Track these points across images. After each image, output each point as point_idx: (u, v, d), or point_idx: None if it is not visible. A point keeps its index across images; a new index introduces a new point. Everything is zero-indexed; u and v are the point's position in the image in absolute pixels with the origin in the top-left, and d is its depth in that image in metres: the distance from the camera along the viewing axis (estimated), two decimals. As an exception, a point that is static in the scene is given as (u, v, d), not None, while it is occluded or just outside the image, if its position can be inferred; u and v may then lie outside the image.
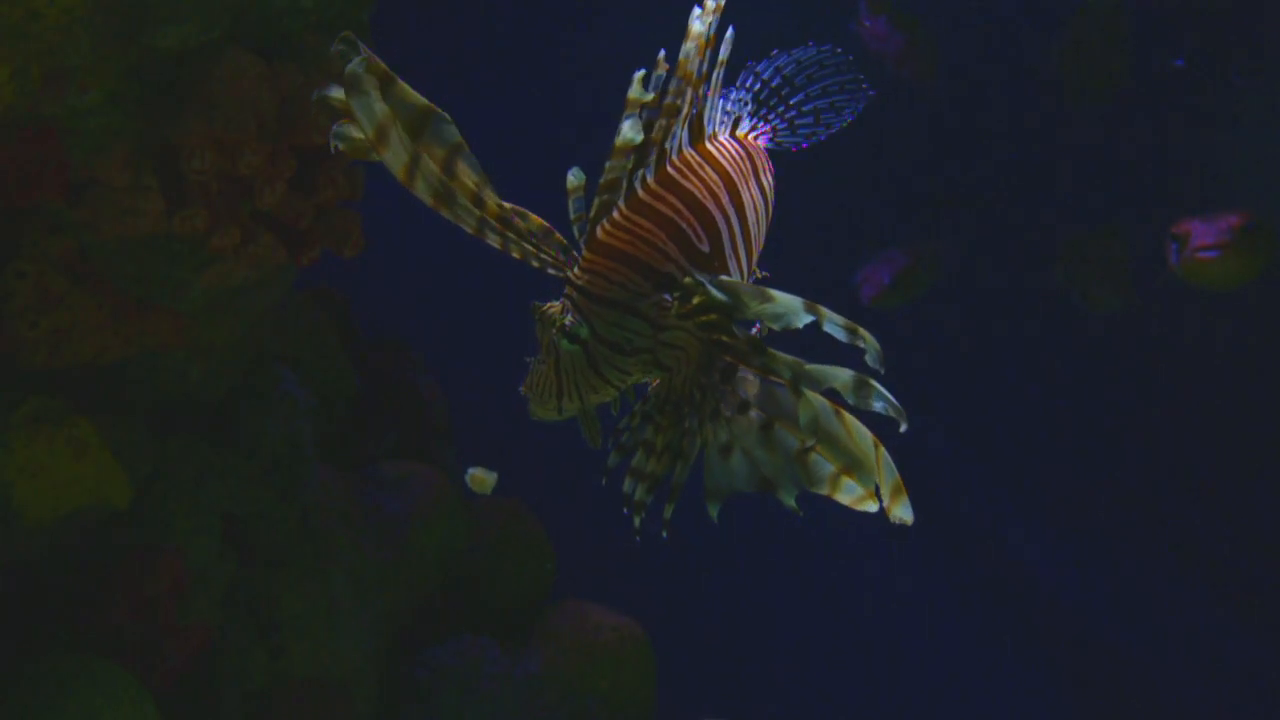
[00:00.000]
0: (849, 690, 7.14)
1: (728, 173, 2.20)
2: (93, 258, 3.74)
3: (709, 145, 2.21)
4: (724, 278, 2.05)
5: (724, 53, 2.14)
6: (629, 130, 1.98)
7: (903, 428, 1.91)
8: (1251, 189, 6.03)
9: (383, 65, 2.01)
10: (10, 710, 3.79)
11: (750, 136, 2.39)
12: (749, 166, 2.27)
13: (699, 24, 2.02)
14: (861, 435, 1.97)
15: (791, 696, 7.09)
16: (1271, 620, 6.82)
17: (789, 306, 1.94)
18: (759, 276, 2.37)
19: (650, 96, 2.00)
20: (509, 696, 5.11)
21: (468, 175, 2.06)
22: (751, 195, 2.24)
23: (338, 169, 3.77)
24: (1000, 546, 7.34)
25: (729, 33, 2.14)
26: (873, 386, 1.92)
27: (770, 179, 2.36)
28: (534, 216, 2.11)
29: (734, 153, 2.25)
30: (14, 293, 3.70)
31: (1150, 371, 6.93)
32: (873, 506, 1.99)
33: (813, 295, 1.95)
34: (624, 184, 2.07)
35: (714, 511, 2.09)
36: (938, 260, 6.78)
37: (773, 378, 2.02)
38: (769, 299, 1.95)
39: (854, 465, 1.98)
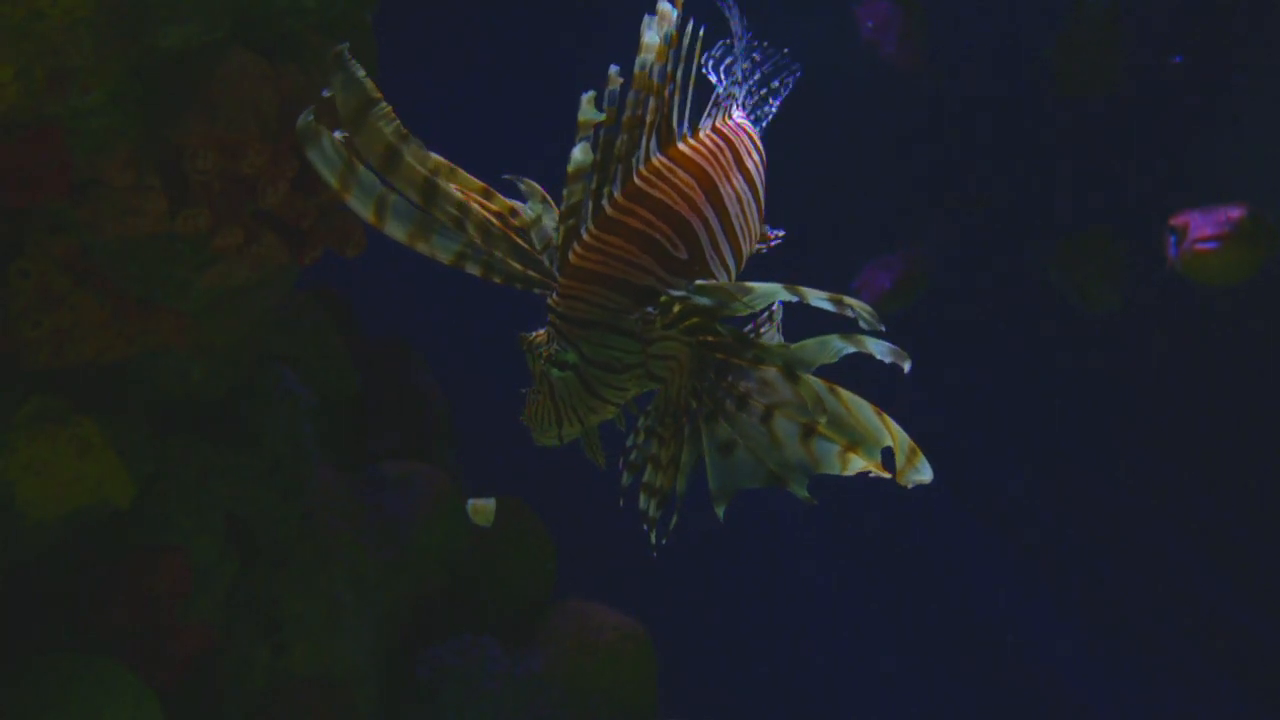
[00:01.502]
0: (850, 690, 7.14)
1: (703, 171, 2.15)
2: (95, 257, 3.75)
3: (681, 147, 2.16)
4: (702, 283, 2.01)
5: (688, 44, 2.09)
6: (579, 154, 1.97)
7: (907, 367, 1.90)
8: (1251, 186, 6.01)
9: (367, 87, 2.01)
10: (13, 708, 3.79)
11: (728, 120, 2.32)
12: (729, 157, 2.21)
13: (651, 34, 1.99)
14: (861, 408, 1.96)
15: (792, 696, 7.09)
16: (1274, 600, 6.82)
17: (770, 293, 1.93)
18: (776, 239, 2.35)
19: (602, 116, 1.97)
20: (510, 696, 5.12)
21: (447, 200, 2.06)
22: (734, 189, 2.19)
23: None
24: (1001, 547, 7.34)
25: (692, 27, 2.09)
26: (864, 339, 1.91)
27: (757, 158, 2.30)
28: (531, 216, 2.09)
29: (709, 148, 2.20)
30: (17, 292, 3.70)
31: (1149, 370, 6.92)
32: (884, 474, 1.97)
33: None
34: (587, 207, 2.05)
35: (720, 511, 2.08)
36: (932, 262, 6.77)
37: (765, 367, 2.01)
38: (749, 292, 1.94)
39: (859, 440, 1.96)
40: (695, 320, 2.04)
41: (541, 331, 2.09)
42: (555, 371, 2.05)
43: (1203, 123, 6.51)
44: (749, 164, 2.26)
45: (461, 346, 6.24)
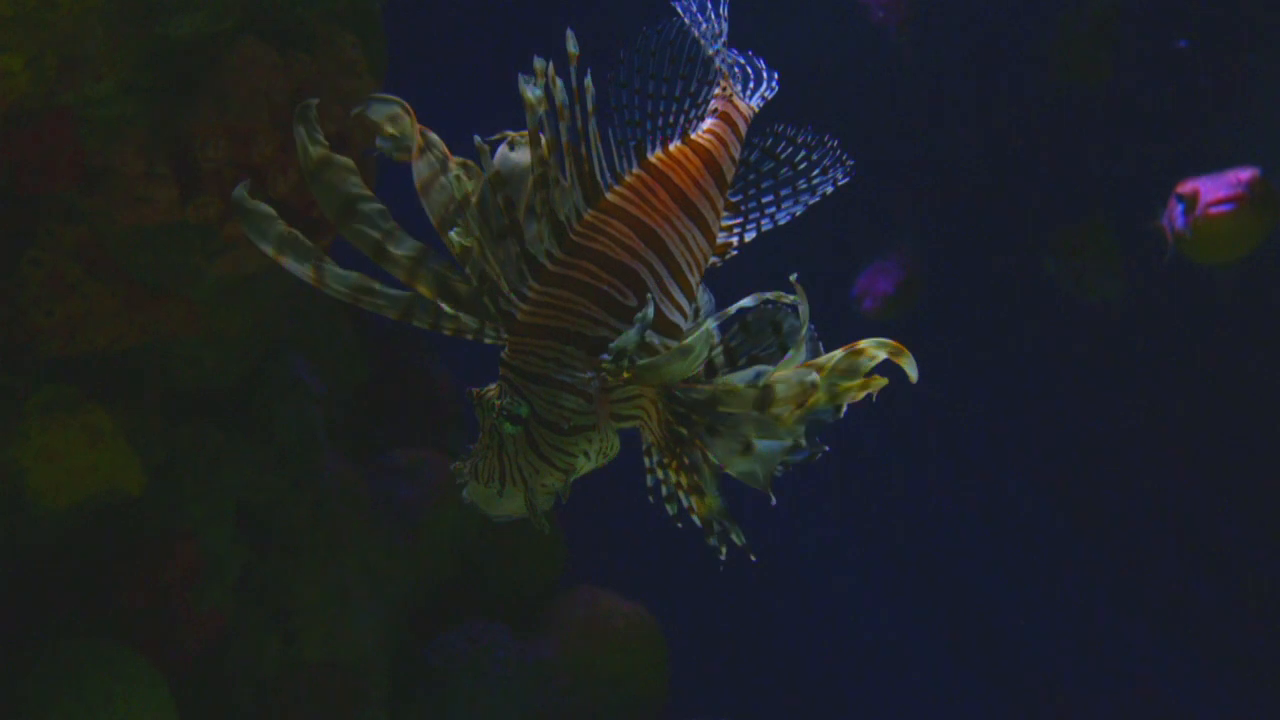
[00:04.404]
0: (856, 680, 7.16)
1: (637, 220, 2.13)
2: (107, 246, 3.76)
3: (610, 197, 2.13)
4: (643, 363, 1.98)
5: (590, 102, 2.05)
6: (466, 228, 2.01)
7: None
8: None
9: (319, 150, 2.06)
10: (27, 693, 3.82)
11: (669, 148, 2.24)
12: (662, 197, 2.17)
13: (533, 91, 1.98)
14: (836, 356, 1.96)
15: (800, 684, 7.11)
16: (1271, 610, 6.82)
17: (704, 337, 1.94)
18: (731, 251, 2.32)
19: (491, 174, 2.00)
20: (520, 682, 5.14)
21: (402, 255, 2.09)
22: (674, 229, 2.15)
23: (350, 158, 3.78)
24: (1003, 544, 7.35)
25: (589, 80, 2.06)
26: (800, 330, 1.94)
27: (707, 177, 2.22)
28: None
29: (639, 192, 2.16)
30: (29, 280, 3.72)
31: (1148, 359, 6.91)
32: (882, 380, 1.96)
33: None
34: (521, 267, 2.05)
35: (771, 495, 2.08)
36: (928, 260, 6.72)
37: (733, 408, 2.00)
38: (690, 350, 1.94)
39: (850, 373, 1.96)
40: (650, 385, 2.03)
41: (493, 386, 2.08)
42: (508, 427, 2.04)
43: (1205, 109, 6.49)
44: (692, 194, 2.20)
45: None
